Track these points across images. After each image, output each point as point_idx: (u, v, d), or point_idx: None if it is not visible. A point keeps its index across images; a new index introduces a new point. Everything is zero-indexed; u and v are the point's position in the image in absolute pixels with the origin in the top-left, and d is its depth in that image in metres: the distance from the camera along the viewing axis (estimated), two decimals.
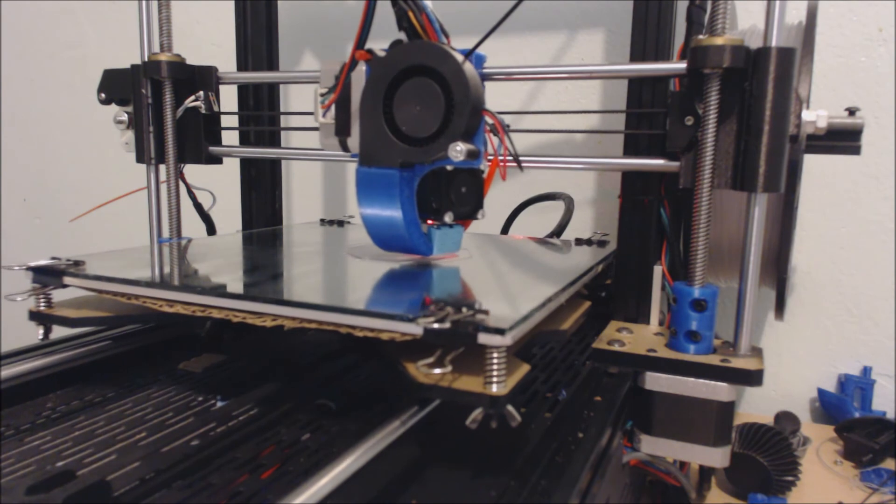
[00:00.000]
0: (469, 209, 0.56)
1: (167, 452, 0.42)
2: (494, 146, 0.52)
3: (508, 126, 0.53)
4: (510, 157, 0.52)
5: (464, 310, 0.39)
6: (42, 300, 0.53)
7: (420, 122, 0.49)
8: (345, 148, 0.54)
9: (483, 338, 0.37)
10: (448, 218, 0.53)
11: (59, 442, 0.44)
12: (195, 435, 0.45)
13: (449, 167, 0.51)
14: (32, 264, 0.53)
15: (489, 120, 0.51)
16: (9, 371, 0.52)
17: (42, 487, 0.36)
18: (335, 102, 0.53)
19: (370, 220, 0.52)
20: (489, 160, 0.53)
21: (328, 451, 0.43)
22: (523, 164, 0.54)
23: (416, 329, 0.39)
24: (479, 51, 0.50)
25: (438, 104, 0.48)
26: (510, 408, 0.38)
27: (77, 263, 0.54)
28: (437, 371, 0.38)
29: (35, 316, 0.53)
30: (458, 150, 0.47)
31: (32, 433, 0.45)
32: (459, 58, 0.48)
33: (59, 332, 0.60)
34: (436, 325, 0.38)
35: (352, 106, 0.52)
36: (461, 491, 0.39)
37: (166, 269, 0.60)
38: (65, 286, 0.52)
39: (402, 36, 0.51)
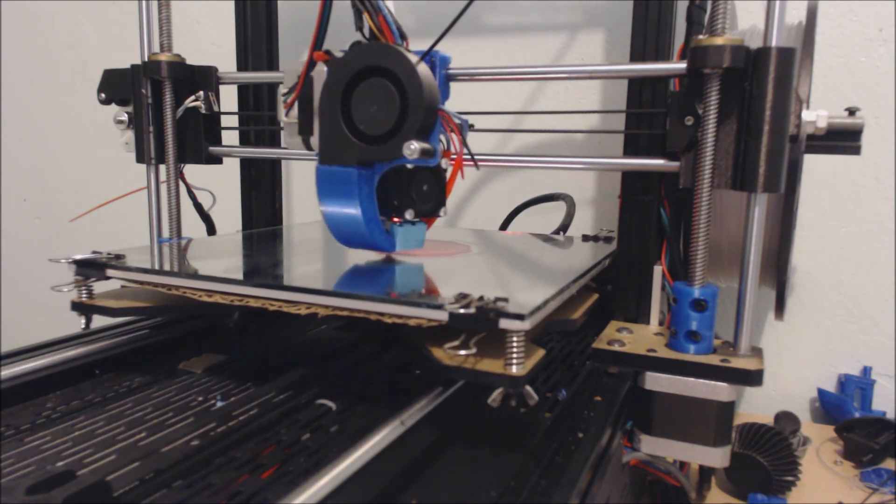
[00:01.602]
0: (431, 207, 0.57)
1: (167, 452, 0.42)
2: (457, 146, 0.52)
3: (472, 126, 0.54)
4: (481, 156, 0.53)
5: (485, 297, 0.42)
6: (84, 292, 0.55)
7: (376, 121, 0.50)
8: (308, 147, 0.55)
9: (504, 323, 0.40)
10: (409, 215, 0.54)
11: (59, 442, 0.44)
12: (195, 435, 0.45)
13: (409, 165, 0.52)
14: (77, 257, 0.55)
15: (457, 120, 0.52)
16: (9, 371, 0.52)
17: (42, 487, 0.36)
18: (297, 102, 0.54)
19: (330, 218, 0.54)
20: (453, 159, 0.53)
21: (328, 451, 0.43)
22: (480, 164, 0.56)
23: (442, 315, 0.42)
24: (447, 52, 0.52)
25: (394, 104, 0.49)
26: (528, 388, 0.41)
27: (118, 257, 0.56)
28: (463, 353, 0.41)
29: (77, 306, 0.55)
30: (412, 149, 0.48)
31: (32, 433, 0.45)
32: (414, 59, 0.49)
33: (60, 331, 0.60)
34: (461, 311, 0.41)
35: (314, 105, 0.53)
36: (461, 491, 0.39)
37: (198, 263, 0.62)
38: (107, 278, 0.55)
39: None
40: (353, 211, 0.52)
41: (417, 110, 0.49)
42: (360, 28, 0.51)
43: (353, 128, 0.51)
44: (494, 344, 0.42)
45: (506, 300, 0.41)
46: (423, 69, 0.49)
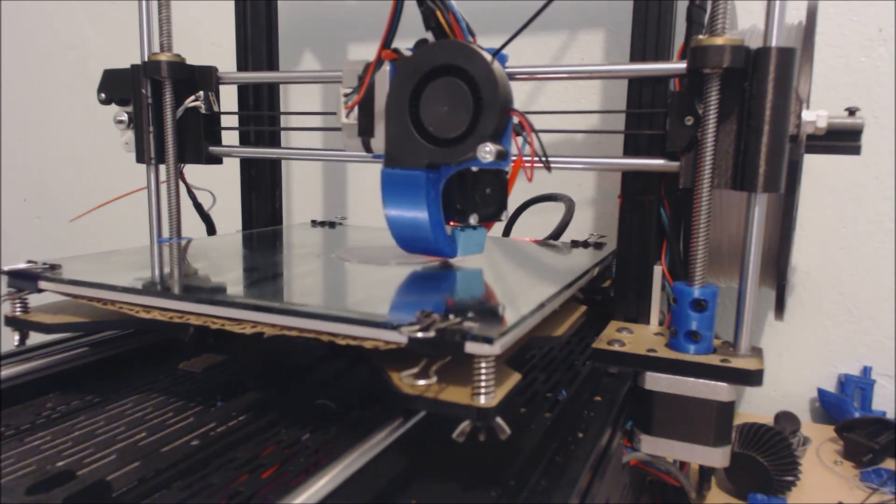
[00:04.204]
0: (493, 210, 0.55)
1: (167, 452, 0.42)
2: (518, 146, 0.51)
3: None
4: (535, 158, 0.51)
5: (451, 317, 0.38)
6: (18, 305, 0.52)
7: (448, 122, 0.48)
8: (368, 149, 0.53)
9: (470, 347, 0.36)
10: (473, 220, 0.52)
11: (59, 442, 0.44)
12: (195, 435, 0.45)
13: (474, 168, 0.50)
14: (6, 268, 0.51)
15: (516, 120, 0.50)
16: (9, 371, 0.52)
17: (42, 487, 0.36)
18: (358, 103, 0.52)
19: (395, 222, 0.51)
20: (512, 161, 0.52)
21: (328, 451, 0.43)
22: (552, 165, 0.53)
23: (399, 338, 0.38)
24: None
25: (467, 104, 0.47)
26: (499, 420, 0.36)
27: (53, 267, 0.52)
28: (422, 382, 0.37)
29: (11, 321, 0.51)
30: (487, 151, 0.46)
31: (32, 433, 0.45)
32: (488, 57, 0.47)
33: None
34: (420, 335, 0.36)
35: (375, 106, 0.52)
36: (461, 491, 0.39)
37: (147, 273, 0.58)
38: (40, 291, 0.51)
39: (426, 35, 0.50)
40: (420, 215, 0.50)
41: (492, 111, 0.46)
42: (430, 27, 0.49)
43: (421, 129, 0.49)
44: (463, 367, 0.37)
45: (473, 320, 0.37)
46: (497, 67, 0.47)
